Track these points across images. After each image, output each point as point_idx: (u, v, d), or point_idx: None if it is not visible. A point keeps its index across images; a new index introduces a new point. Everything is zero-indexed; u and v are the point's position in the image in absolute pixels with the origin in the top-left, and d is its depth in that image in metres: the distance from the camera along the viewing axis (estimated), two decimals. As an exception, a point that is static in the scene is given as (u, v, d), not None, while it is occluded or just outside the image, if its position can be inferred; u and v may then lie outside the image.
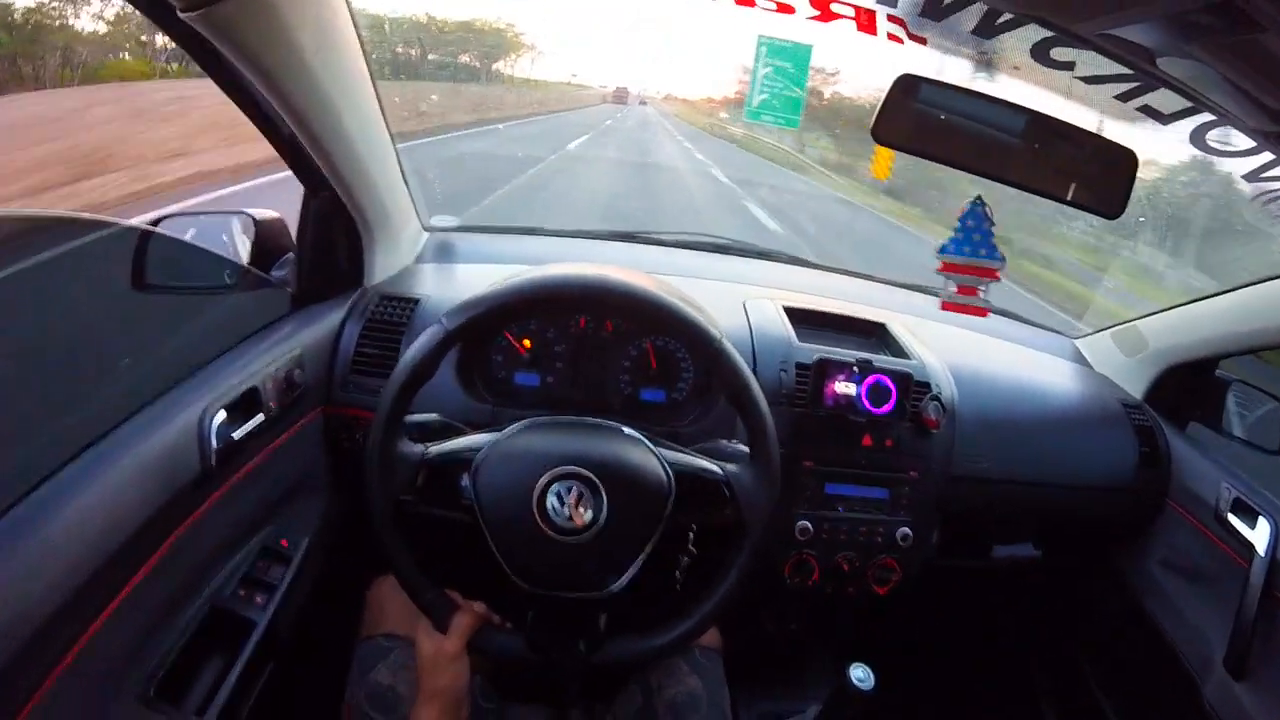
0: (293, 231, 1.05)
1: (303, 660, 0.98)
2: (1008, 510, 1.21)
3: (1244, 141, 0.78)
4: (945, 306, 0.97)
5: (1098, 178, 0.83)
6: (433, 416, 0.86)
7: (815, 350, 1.08)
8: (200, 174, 4.95)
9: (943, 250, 0.92)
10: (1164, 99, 0.72)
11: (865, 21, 0.83)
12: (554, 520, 0.70)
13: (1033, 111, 0.81)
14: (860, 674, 0.95)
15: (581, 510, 0.71)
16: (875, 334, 1.22)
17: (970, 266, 0.92)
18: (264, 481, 0.92)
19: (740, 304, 1.18)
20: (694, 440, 0.88)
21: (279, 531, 0.95)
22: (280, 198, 1.14)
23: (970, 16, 0.89)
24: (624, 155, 11.61)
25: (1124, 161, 0.81)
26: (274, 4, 0.66)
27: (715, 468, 0.79)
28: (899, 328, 1.22)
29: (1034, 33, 0.66)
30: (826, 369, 1.04)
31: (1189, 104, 0.70)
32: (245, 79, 0.76)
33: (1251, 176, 0.89)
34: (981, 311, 0.95)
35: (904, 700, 1.25)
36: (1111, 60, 0.64)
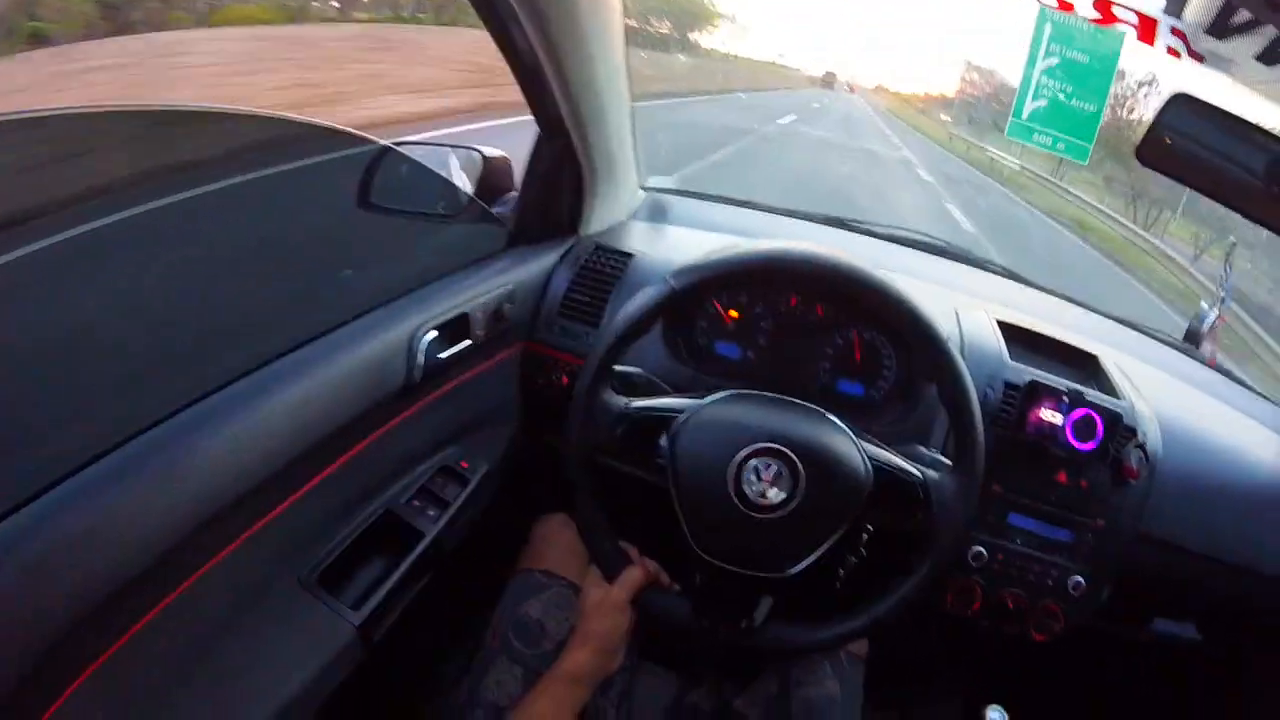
0: (518, 173, 1.08)
1: (460, 578, 1.00)
2: (1185, 584, 1.10)
3: None
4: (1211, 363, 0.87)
5: None
6: (638, 370, 0.86)
7: (1026, 371, 1.00)
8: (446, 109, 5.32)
9: (1223, 304, 0.83)
10: None
11: (1146, 30, 0.77)
12: (747, 495, 0.69)
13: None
14: (996, 716, 0.90)
15: (776, 489, 0.69)
16: (1087, 366, 1.12)
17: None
18: (458, 403, 0.95)
19: (952, 310, 1.11)
20: (888, 443, 0.85)
21: (461, 453, 0.98)
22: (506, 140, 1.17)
23: (1258, 39, 0.79)
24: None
25: None
26: None
27: (915, 471, 0.75)
28: (1112, 364, 1.11)
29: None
30: (1036, 393, 0.97)
31: None
32: (516, 17, 0.77)
33: None
34: (1212, 361, 0.86)
35: None
36: None
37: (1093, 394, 1.00)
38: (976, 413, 0.74)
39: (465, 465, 0.98)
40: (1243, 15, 0.77)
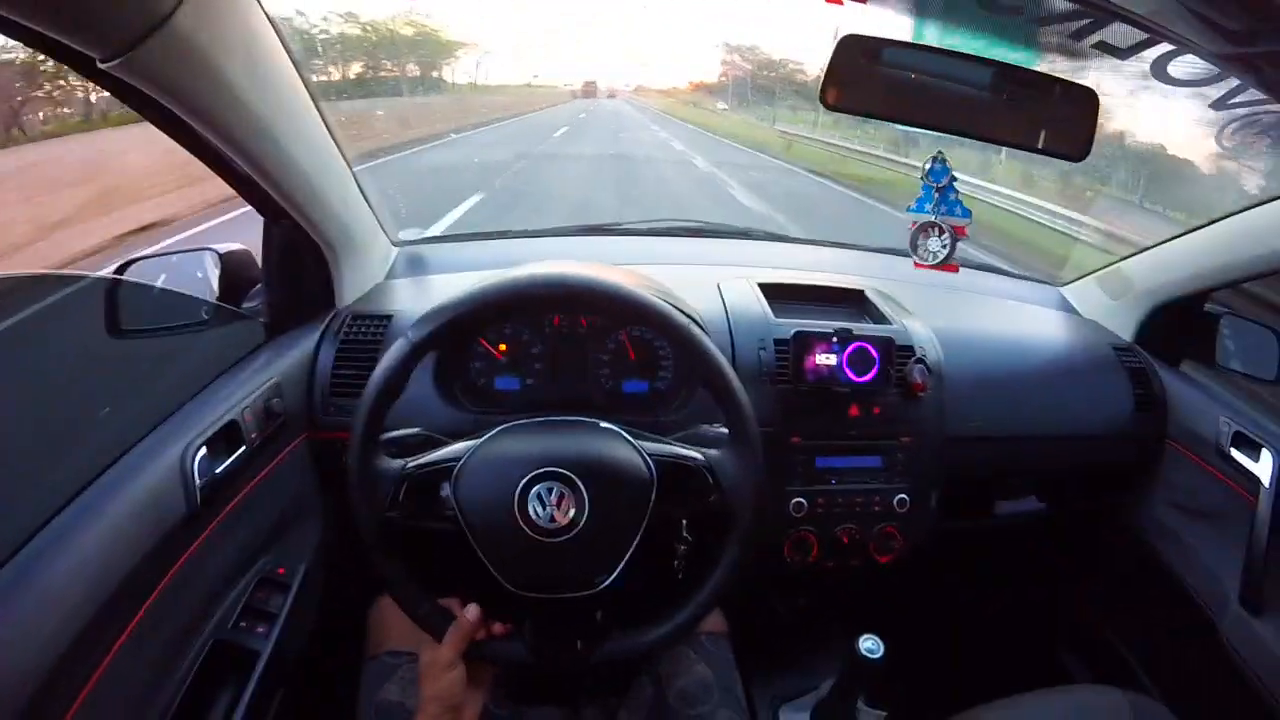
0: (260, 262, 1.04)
1: (312, 684, 0.98)
2: (1008, 466, 1.20)
3: (1205, 69, 0.77)
4: (917, 265, 0.95)
5: (1061, 122, 0.81)
6: (414, 431, 0.85)
7: (793, 324, 1.06)
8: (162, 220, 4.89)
9: (911, 210, 0.90)
10: (1120, 33, 0.70)
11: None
12: (537, 522, 0.70)
13: (998, 63, 0.79)
14: (870, 645, 0.95)
15: (564, 510, 0.70)
16: (855, 302, 1.21)
17: (937, 225, 0.91)
18: (255, 512, 0.91)
19: (715, 285, 1.16)
20: (680, 428, 0.87)
21: (276, 560, 0.95)
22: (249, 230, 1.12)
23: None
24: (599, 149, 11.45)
25: (1086, 102, 0.79)
26: (195, 42, 0.64)
27: (696, 454, 0.78)
28: (876, 294, 1.20)
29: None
30: (805, 342, 1.03)
31: (1146, 36, 0.68)
32: (184, 119, 0.74)
33: (1218, 105, 0.88)
34: (953, 268, 0.94)
35: (917, 666, 1.24)
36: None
37: (860, 327, 1.07)
38: (733, 380, 0.76)
39: (282, 571, 0.95)
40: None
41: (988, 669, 1.12)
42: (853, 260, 1.46)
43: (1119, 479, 1.30)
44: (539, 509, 0.70)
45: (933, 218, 0.89)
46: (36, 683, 0.57)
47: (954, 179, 0.88)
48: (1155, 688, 1.27)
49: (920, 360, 1.07)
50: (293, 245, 0.99)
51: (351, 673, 0.94)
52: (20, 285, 1.13)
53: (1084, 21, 0.69)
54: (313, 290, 1.06)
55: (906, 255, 1.37)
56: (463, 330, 0.77)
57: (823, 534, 1.05)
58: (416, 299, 1.13)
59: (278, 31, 0.79)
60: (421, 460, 0.76)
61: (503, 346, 1.05)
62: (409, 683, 0.89)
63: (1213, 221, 1.16)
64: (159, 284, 1.03)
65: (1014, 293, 1.45)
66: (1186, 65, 0.77)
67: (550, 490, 0.70)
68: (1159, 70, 0.79)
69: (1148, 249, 1.30)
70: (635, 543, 0.73)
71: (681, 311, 0.77)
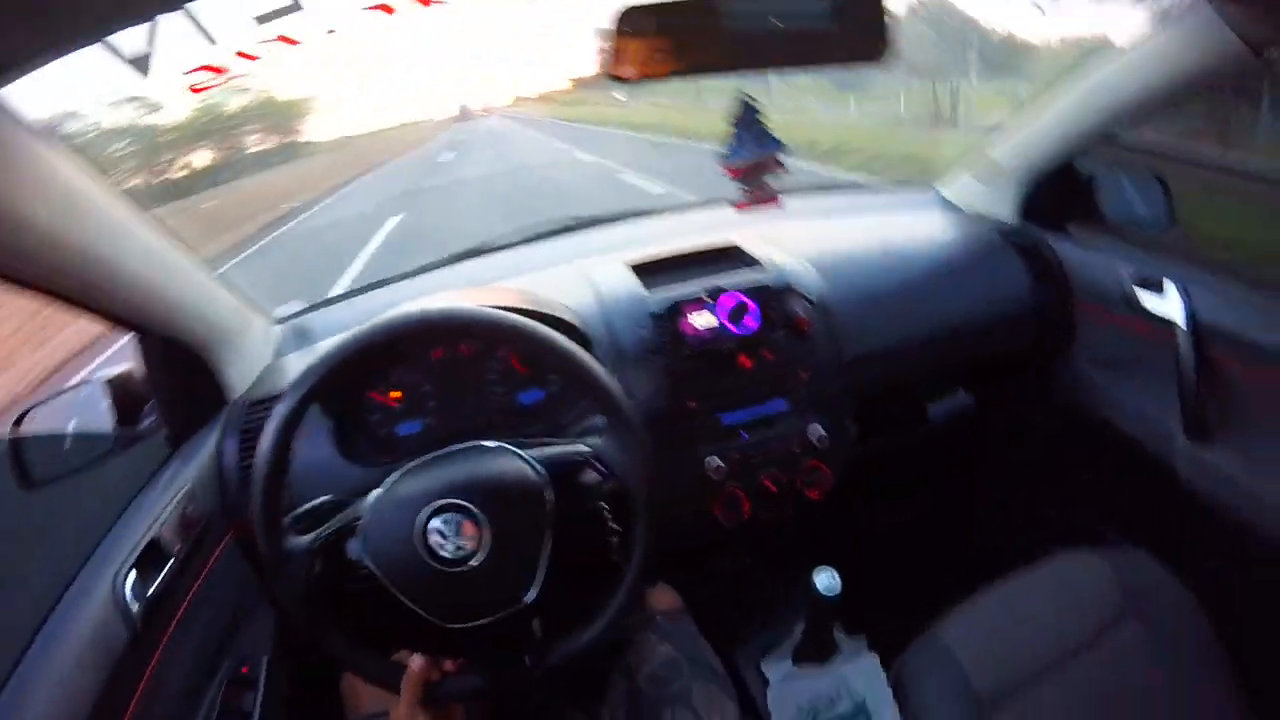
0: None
1: None
2: (925, 372, 1.22)
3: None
4: (739, 207, 0.96)
5: (850, 29, 0.81)
6: (323, 500, 0.85)
7: (663, 296, 1.07)
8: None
9: (727, 158, 0.91)
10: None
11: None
12: (444, 555, 0.70)
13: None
14: (824, 579, 0.96)
15: (466, 537, 0.71)
16: (729, 257, 1.22)
17: (756, 164, 0.91)
18: (203, 619, 0.92)
19: (584, 277, 1.17)
20: (579, 420, 0.88)
21: (237, 659, 0.95)
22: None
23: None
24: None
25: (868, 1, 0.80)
26: None
27: (581, 447, 0.79)
28: (750, 242, 1.21)
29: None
30: (679, 309, 1.04)
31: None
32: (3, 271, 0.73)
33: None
34: (774, 200, 0.94)
35: (888, 582, 1.26)
36: None
37: (729, 279, 1.08)
38: (587, 364, 0.76)
39: (246, 670, 0.95)
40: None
41: (959, 566, 1.14)
42: (725, 215, 1.47)
43: (1039, 353, 1.33)
44: (443, 542, 0.71)
45: (753, 158, 0.90)
46: None
47: (760, 114, 0.89)
48: (1124, 539, 1.29)
49: (801, 296, 1.08)
50: (168, 354, 0.99)
51: None
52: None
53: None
54: (202, 391, 1.06)
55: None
56: (333, 391, 0.78)
57: (748, 487, 1.06)
58: None
59: (77, 159, 0.79)
60: (327, 528, 0.77)
61: (394, 394, 1.05)
62: None
63: (1062, 87, 1.18)
64: (60, 426, 1.04)
65: (892, 205, 1.47)
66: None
67: (448, 521, 0.71)
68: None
69: (1009, 128, 1.32)
70: (546, 550, 0.74)
71: (534, 314, 0.78)
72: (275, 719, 0.94)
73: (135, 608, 0.79)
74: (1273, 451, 0.99)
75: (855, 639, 1.09)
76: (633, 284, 1.12)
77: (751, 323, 1.03)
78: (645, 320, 1.06)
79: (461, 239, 1.47)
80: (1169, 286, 1.09)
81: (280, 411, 0.74)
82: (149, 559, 0.85)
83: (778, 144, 0.90)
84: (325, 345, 1.20)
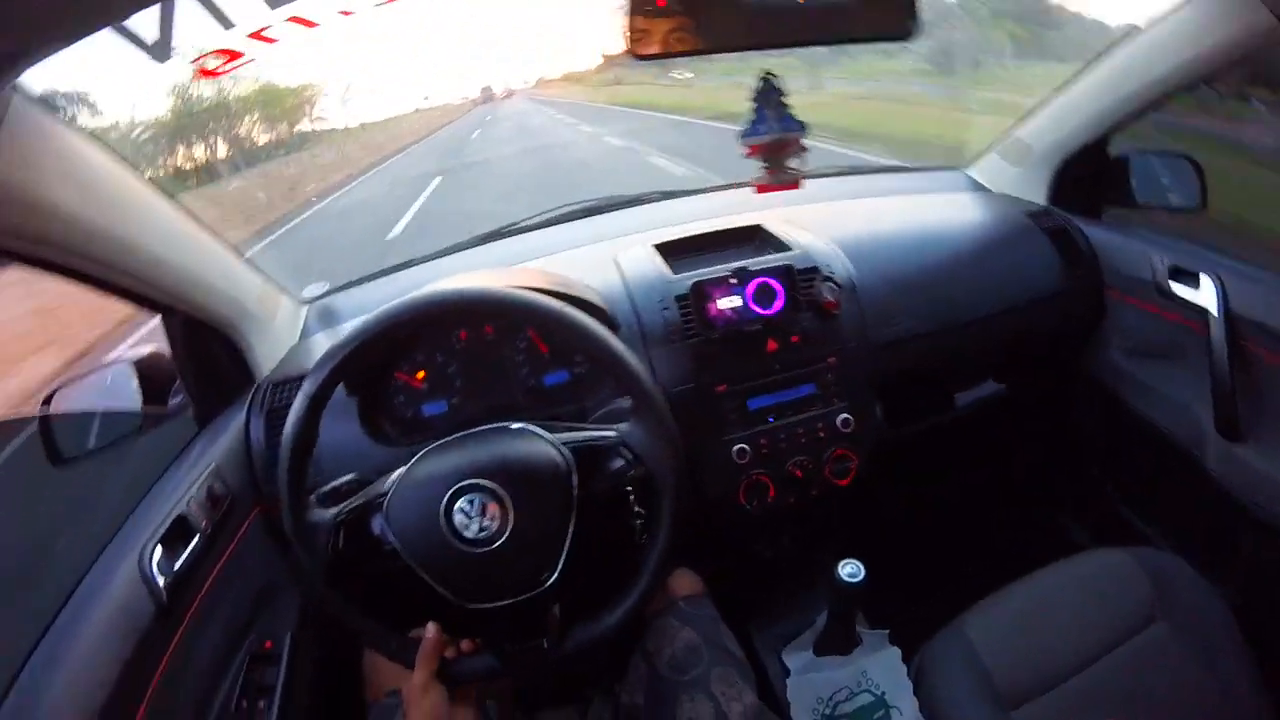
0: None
1: None
2: (954, 357, 1.19)
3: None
4: (760, 189, 0.93)
5: (880, 3, 0.78)
6: (347, 478, 0.86)
7: (689, 277, 1.06)
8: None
9: (745, 135, 0.89)
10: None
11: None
12: (467, 535, 0.71)
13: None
14: (849, 570, 0.95)
15: (490, 517, 0.71)
16: (755, 238, 1.20)
17: (775, 143, 0.89)
18: (228, 595, 0.93)
19: (610, 259, 1.16)
20: (602, 406, 0.88)
21: (261, 635, 0.97)
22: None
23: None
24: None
25: None
26: (16, 182, 0.64)
27: (609, 431, 0.78)
28: (776, 224, 1.19)
29: None
30: (704, 290, 1.02)
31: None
32: (29, 253, 0.74)
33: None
34: (795, 185, 0.92)
35: (913, 574, 1.24)
36: None
37: (756, 261, 1.06)
38: (615, 348, 0.75)
39: (270, 645, 0.97)
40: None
41: (985, 561, 1.12)
42: (751, 197, 1.45)
43: (1068, 340, 1.29)
44: (466, 522, 0.71)
45: (772, 137, 0.88)
46: None
47: (784, 94, 0.87)
48: (1155, 535, 1.26)
49: (828, 278, 1.06)
50: (194, 334, 1.01)
51: None
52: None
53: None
54: (229, 371, 1.07)
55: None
56: (361, 368, 0.78)
57: (775, 473, 1.05)
58: None
59: (99, 141, 0.80)
60: (352, 503, 0.78)
61: (420, 374, 1.05)
62: None
63: (1092, 66, 1.15)
64: (89, 404, 1.06)
65: (922, 186, 1.44)
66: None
67: (472, 502, 0.71)
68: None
69: (1039, 108, 1.29)
70: (570, 534, 0.73)
71: (561, 295, 0.77)
72: (297, 695, 0.96)
73: (161, 582, 0.81)
74: None
75: (877, 631, 1.09)
76: (659, 265, 1.11)
77: (778, 305, 1.02)
78: (670, 302, 1.05)
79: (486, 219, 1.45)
80: (1204, 276, 1.05)
81: (308, 388, 0.75)
82: (175, 535, 0.87)
83: (800, 126, 0.88)
84: (350, 325, 1.21)
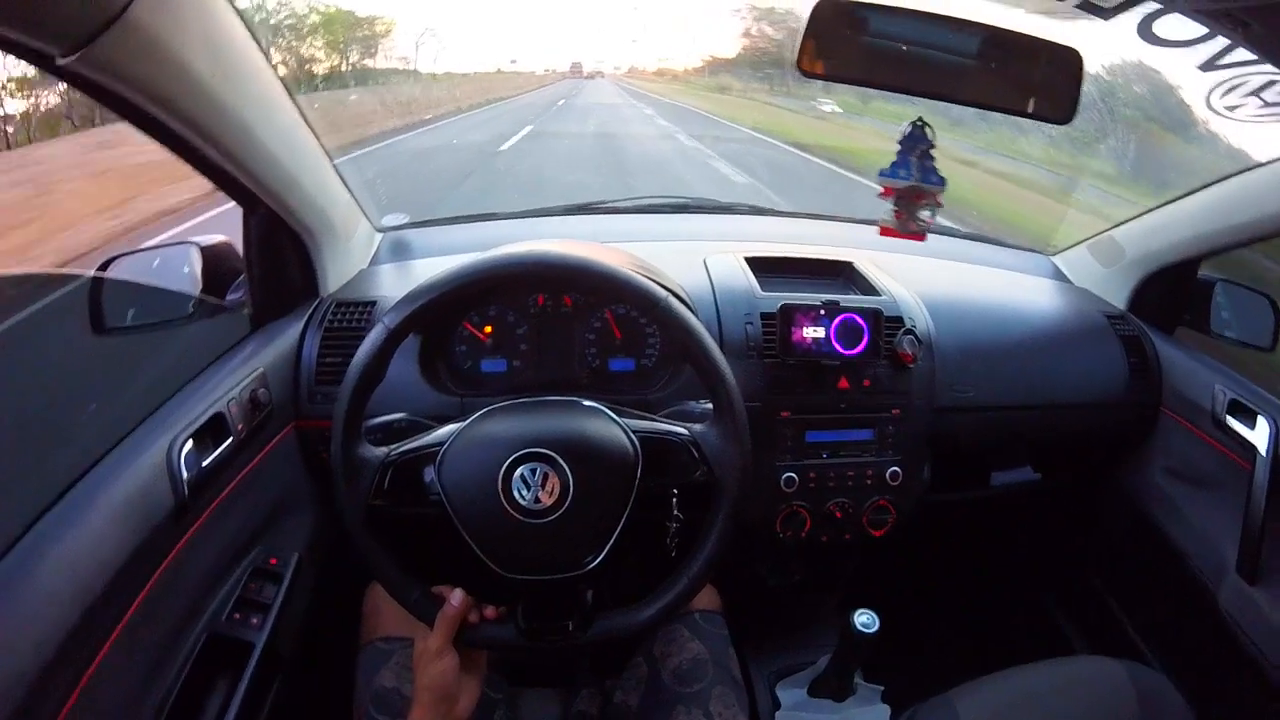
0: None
1: (308, 673, 0.99)
2: (1001, 436, 1.20)
3: (1193, 28, 0.75)
4: (884, 232, 0.92)
5: (1047, 84, 0.79)
6: (399, 416, 0.85)
7: (779, 298, 1.05)
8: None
9: (884, 174, 0.88)
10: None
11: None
12: (521, 504, 0.69)
13: (980, 24, 0.77)
14: (864, 619, 0.95)
15: (548, 490, 0.69)
16: (843, 274, 1.20)
17: (911, 191, 0.89)
18: (245, 504, 0.91)
19: (701, 261, 1.15)
20: (667, 405, 0.87)
21: (267, 550, 0.95)
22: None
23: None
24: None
25: (1071, 63, 0.78)
26: (155, 33, 0.62)
27: (681, 429, 0.77)
28: (866, 265, 1.19)
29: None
30: (792, 315, 1.02)
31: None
32: (150, 111, 0.72)
33: (1206, 66, 0.87)
34: (920, 236, 0.91)
35: (914, 638, 1.25)
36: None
37: (848, 299, 1.06)
38: (713, 352, 0.74)
39: (275, 562, 0.95)
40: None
41: (985, 640, 1.12)
42: (841, 232, 1.44)
43: (1114, 448, 1.30)
44: (523, 490, 0.69)
45: (909, 183, 0.87)
46: (29, 681, 0.58)
47: (932, 146, 0.87)
48: (1153, 655, 1.27)
49: (910, 331, 1.06)
50: (272, 235, 0.99)
51: (347, 660, 0.95)
52: (6, 284, 1.12)
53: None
54: (295, 279, 1.05)
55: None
56: (441, 314, 0.76)
57: (815, 508, 1.05)
58: (400, 284, 1.12)
59: (242, 18, 0.77)
60: (404, 447, 0.76)
61: (488, 329, 1.04)
62: (404, 669, 0.90)
63: (1205, 187, 1.15)
64: (144, 279, 1.03)
65: (1005, 262, 1.44)
66: (1173, 23, 0.76)
67: (534, 471, 0.70)
68: (1145, 30, 0.77)
69: (1140, 215, 1.29)
70: (622, 521, 0.72)
71: (663, 286, 0.76)
72: (290, 618, 0.94)
73: (185, 477, 0.79)
74: None
75: (873, 686, 1.08)
76: (749, 278, 1.11)
77: (859, 347, 1.02)
78: (755, 318, 1.04)
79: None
80: (1261, 417, 1.06)
81: (390, 320, 0.72)
82: (209, 433, 0.85)
83: (940, 180, 0.87)
84: (424, 264, 1.19)
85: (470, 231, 1.33)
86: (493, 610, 0.78)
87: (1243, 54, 0.78)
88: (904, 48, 0.78)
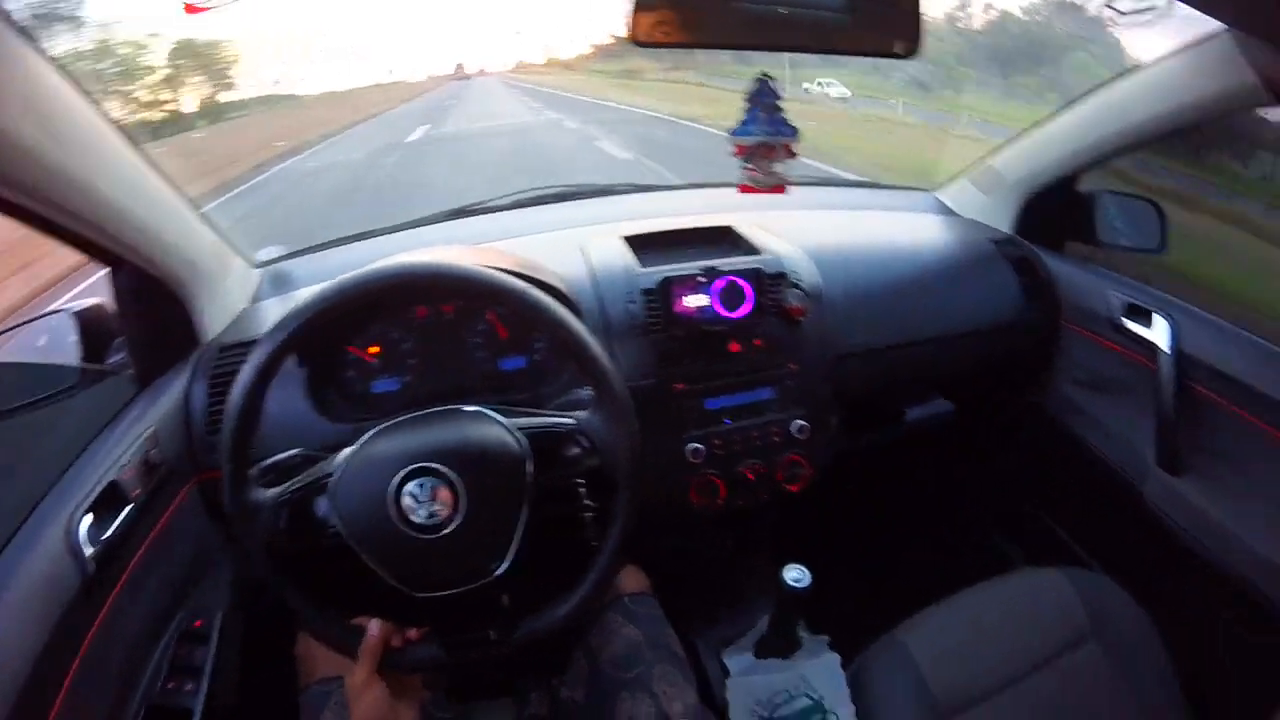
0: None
1: None
2: (908, 374, 1.22)
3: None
4: (742, 189, 0.93)
5: (885, 20, 0.79)
6: (293, 453, 0.82)
7: (658, 271, 1.05)
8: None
9: (735, 133, 0.89)
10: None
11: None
12: (416, 521, 0.68)
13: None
14: (794, 575, 0.96)
15: (440, 503, 0.69)
16: (725, 239, 1.20)
17: (763, 145, 0.89)
18: (159, 568, 0.89)
19: (578, 247, 1.15)
20: (564, 393, 0.87)
21: (192, 612, 0.93)
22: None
23: None
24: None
25: None
26: None
27: (567, 419, 0.77)
28: (746, 226, 1.20)
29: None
30: (672, 287, 1.02)
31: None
32: None
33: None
34: (780, 189, 0.92)
35: (854, 584, 1.26)
36: None
37: (726, 262, 1.06)
38: (583, 336, 0.73)
39: (199, 624, 0.93)
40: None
41: (929, 576, 1.14)
42: (724, 198, 1.45)
43: (1023, 368, 1.33)
44: (414, 507, 0.68)
45: (761, 139, 0.88)
46: None
47: (779, 98, 0.87)
48: (1090, 559, 1.31)
49: (795, 285, 1.07)
50: (142, 289, 0.95)
51: (290, 707, 0.93)
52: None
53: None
54: (174, 331, 1.02)
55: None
56: (314, 342, 0.75)
57: (726, 474, 1.05)
58: None
59: (67, 73, 0.75)
60: (295, 482, 0.75)
61: (373, 349, 1.02)
62: (344, 707, 0.88)
63: (1071, 104, 1.18)
64: (20, 356, 1.00)
65: (891, 203, 1.47)
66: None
67: (422, 486, 0.69)
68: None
69: (1015, 140, 1.32)
70: (522, 523, 0.72)
71: (523, 277, 0.75)
72: (226, 676, 0.92)
73: (89, 551, 0.76)
74: (1242, 488, 1.00)
75: (818, 637, 1.10)
76: (627, 257, 1.11)
77: (745, 308, 1.02)
78: (636, 295, 1.04)
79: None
80: (1156, 315, 1.10)
81: (256, 358, 0.70)
82: (107, 502, 0.82)
83: (792, 131, 0.88)
84: (305, 293, 1.17)
85: (350, 253, 1.31)
86: (415, 632, 0.77)
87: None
88: (734, 6, 0.78)
